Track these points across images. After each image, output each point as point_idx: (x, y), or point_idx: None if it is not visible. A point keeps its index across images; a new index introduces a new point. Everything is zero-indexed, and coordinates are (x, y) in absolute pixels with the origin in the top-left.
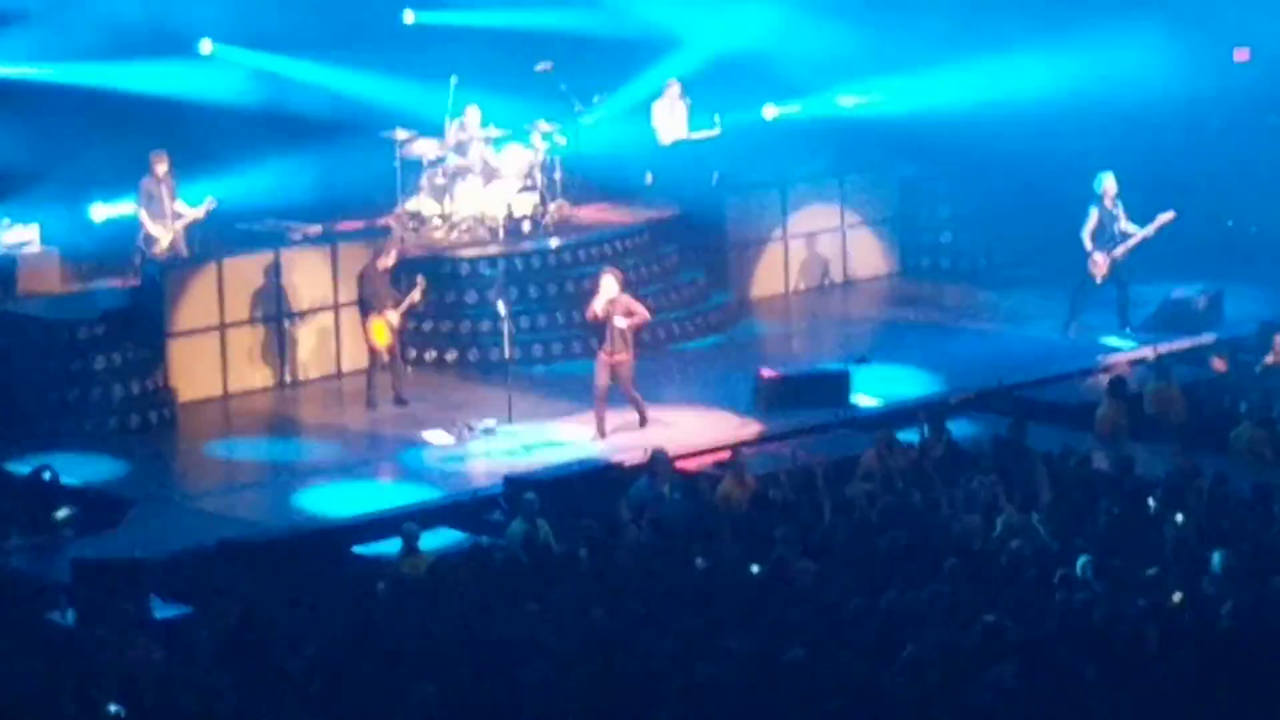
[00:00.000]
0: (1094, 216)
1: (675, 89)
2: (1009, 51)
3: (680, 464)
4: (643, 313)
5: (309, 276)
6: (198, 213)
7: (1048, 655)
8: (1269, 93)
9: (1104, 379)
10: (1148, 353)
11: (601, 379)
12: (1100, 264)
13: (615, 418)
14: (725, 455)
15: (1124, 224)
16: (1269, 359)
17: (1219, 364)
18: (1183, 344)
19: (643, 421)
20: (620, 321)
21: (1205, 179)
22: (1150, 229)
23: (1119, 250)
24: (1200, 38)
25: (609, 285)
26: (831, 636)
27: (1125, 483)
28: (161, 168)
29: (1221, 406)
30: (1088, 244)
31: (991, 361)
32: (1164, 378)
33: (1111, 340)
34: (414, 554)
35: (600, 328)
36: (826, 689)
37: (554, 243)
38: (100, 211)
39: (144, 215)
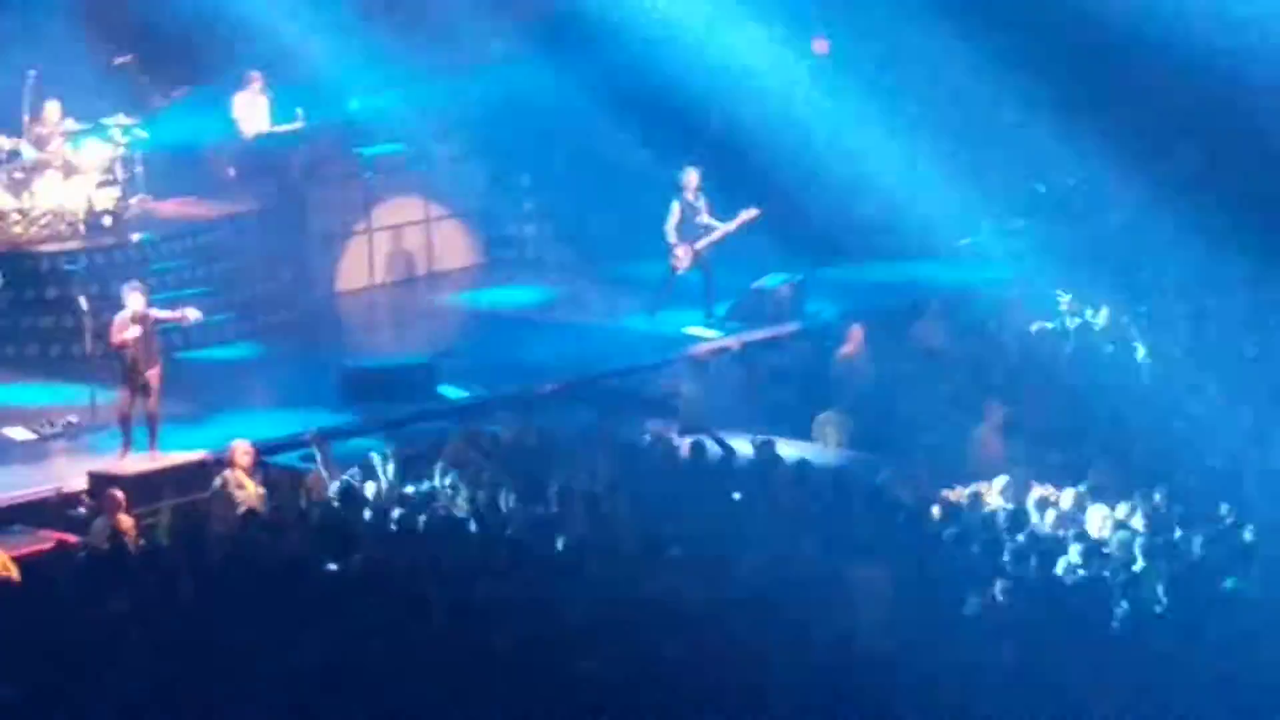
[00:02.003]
0: (676, 210)
1: (257, 81)
2: (591, 39)
3: (264, 457)
4: (176, 314)
5: None
6: None
7: (634, 642)
8: (844, 83)
9: (687, 368)
10: (731, 342)
11: (130, 403)
12: (683, 256)
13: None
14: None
15: (706, 217)
16: (845, 348)
17: (854, 342)
18: (765, 333)
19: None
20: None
21: (791, 169)
22: (732, 224)
23: (701, 243)
24: (786, 26)
25: (136, 300)
26: (417, 630)
27: (709, 469)
28: None
29: (801, 393)
30: (671, 237)
31: (577, 353)
32: (746, 366)
33: (696, 330)
34: None
35: (124, 351)
36: (413, 681)
37: (136, 237)
38: None
39: None
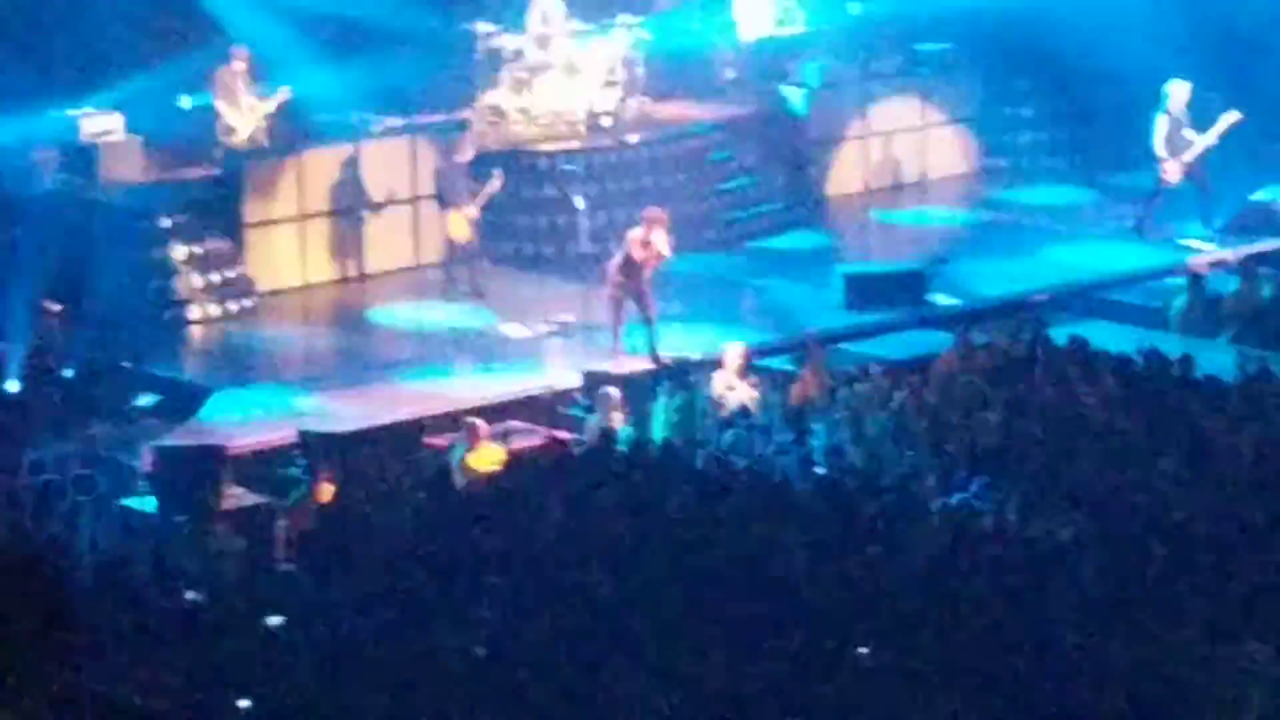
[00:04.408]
0: (1162, 124)
1: None
2: None
3: (756, 359)
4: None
5: (388, 168)
6: (271, 105)
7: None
8: None
9: (1183, 280)
10: (1228, 255)
11: (621, 304)
12: (1172, 170)
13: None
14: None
15: (1187, 131)
16: None
17: None
18: (1264, 247)
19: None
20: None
21: None
22: (1216, 133)
23: (1189, 155)
24: None
25: (659, 233)
26: (907, 532)
27: (1199, 386)
28: (240, 61)
29: None
30: (1160, 151)
31: (1069, 262)
32: (1244, 280)
33: (1191, 242)
34: (479, 448)
35: (630, 255)
36: (896, 591)
37: (633, 139)
38: (187, 101)
39: (222, 106)
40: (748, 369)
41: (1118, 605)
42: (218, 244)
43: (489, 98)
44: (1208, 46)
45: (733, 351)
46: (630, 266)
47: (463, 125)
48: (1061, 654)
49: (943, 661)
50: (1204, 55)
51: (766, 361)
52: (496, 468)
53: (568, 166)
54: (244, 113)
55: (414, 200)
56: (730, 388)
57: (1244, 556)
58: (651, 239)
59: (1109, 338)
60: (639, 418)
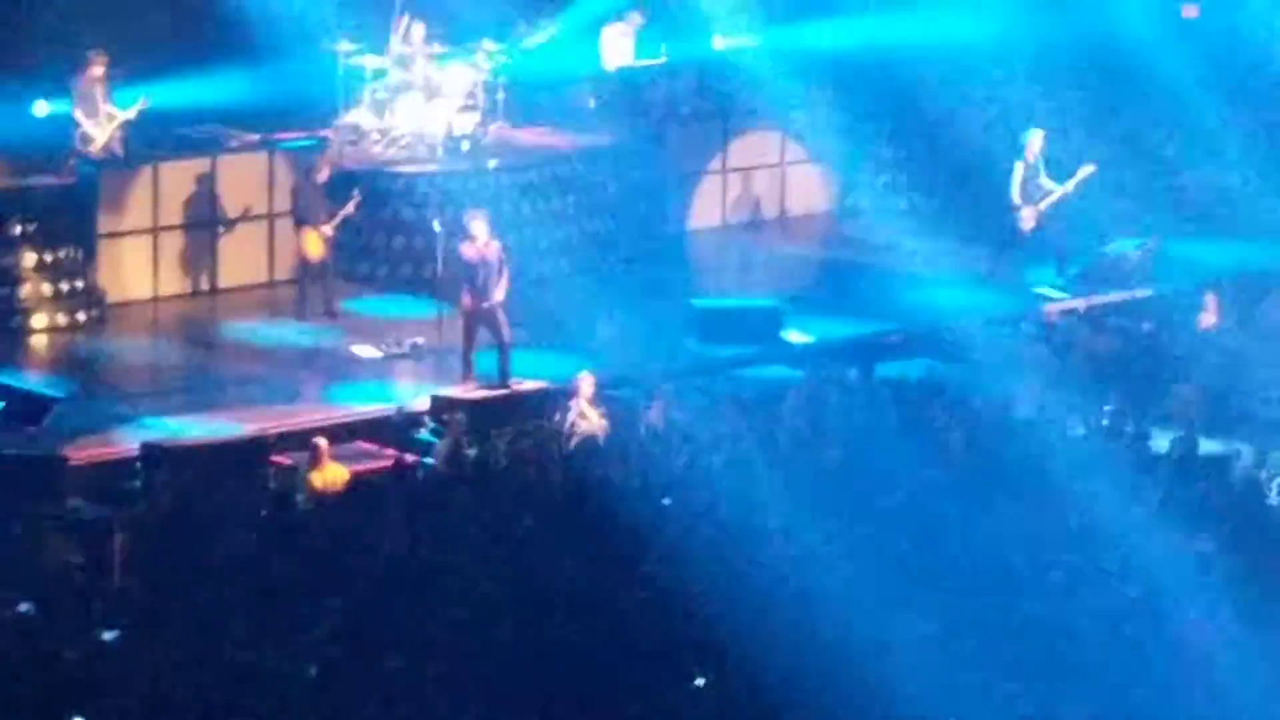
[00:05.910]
0: (1019, 171)
1: (635, 17)
2: None
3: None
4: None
5: (244, 184)
6: (129, 114)
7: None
8: (1215, 49)
9: (1034, 327)
10: (1079, 304)
11: (473, 329)
12: (1027, 217)
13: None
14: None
15: (1043, 180)
16: (1203, 317)
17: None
18: (1116, 297)
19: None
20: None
21: (1146, 133)
22: (1070, 184)
23: (1044, 203)
24: None
25: (479, 229)
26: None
27: (1049, 433)
28: (98, 68)
29: (1150, 363)
30: (1015, 199)
31: (923, 303)
32: (1095, 330)
33: (1043, 290)
34: (323, 467)
35: (474, 272)
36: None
37: (492, 163)
38: (43, 108)
39: (79, 114)
40: (598, 398)
41: None
42: (68, 253)
43: (348, 116)
44: (1068, 93)
45: (585, 381)
46: (474, 286)
47: (321, 143)
48: None
49: None
50: (1065, 102)
51: (617, 392)
52: (340, 487)
53: (425, 188)
54: (101, 121)
55: (269, 217)
56: (583, 416)
57: None
58: (475, 235)
59: (960, 379)
60: (487, 443)
